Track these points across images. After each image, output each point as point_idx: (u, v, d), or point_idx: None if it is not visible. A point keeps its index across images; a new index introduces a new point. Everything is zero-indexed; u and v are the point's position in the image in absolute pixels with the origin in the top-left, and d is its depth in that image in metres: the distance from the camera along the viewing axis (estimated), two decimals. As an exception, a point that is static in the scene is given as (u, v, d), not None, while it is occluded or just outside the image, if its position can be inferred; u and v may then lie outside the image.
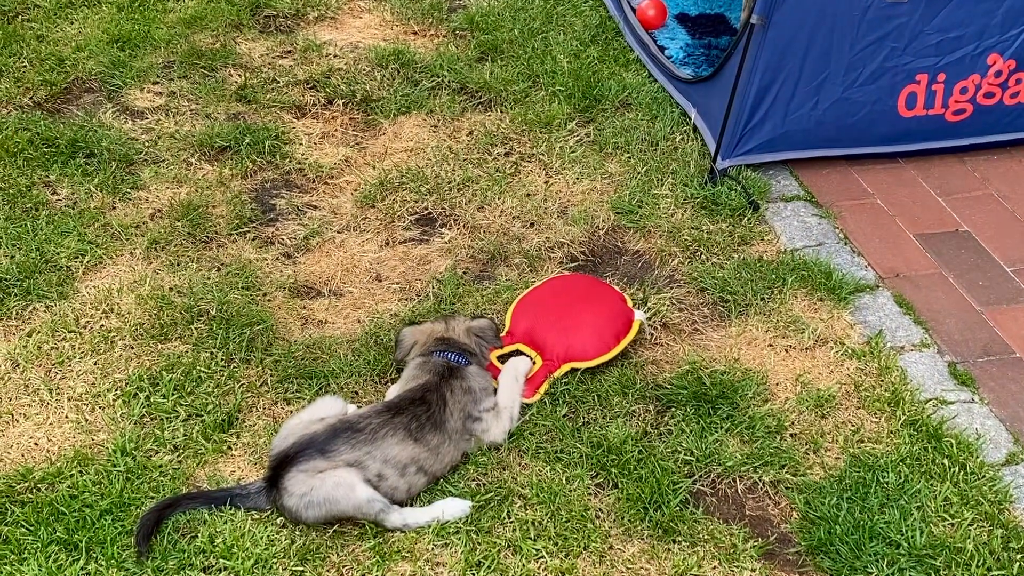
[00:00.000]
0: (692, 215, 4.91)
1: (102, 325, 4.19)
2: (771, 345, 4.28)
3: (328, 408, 3.73)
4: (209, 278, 4.44)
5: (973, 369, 4.21)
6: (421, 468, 3.58)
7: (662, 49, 5.93)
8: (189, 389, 3.93)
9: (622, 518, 3.58)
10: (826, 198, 5.07)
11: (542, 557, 3.45)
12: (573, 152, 5.27)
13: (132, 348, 4.10)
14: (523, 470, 3.73)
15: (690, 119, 5.38)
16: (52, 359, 4.04)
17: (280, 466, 3.49)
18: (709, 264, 4.66)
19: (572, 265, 4.66)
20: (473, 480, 3.69)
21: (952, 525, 3.59)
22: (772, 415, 3.95)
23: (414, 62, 5.90)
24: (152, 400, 3.88)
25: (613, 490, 3.68)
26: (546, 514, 3.57)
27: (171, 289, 4.37)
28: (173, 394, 3.90)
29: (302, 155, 5.25)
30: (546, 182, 5.10)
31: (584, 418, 3.92)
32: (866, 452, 3.83)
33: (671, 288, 4.54)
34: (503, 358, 4.09)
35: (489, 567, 3.41)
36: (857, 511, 3.60)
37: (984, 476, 3.74)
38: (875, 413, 3.99)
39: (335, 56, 5.99)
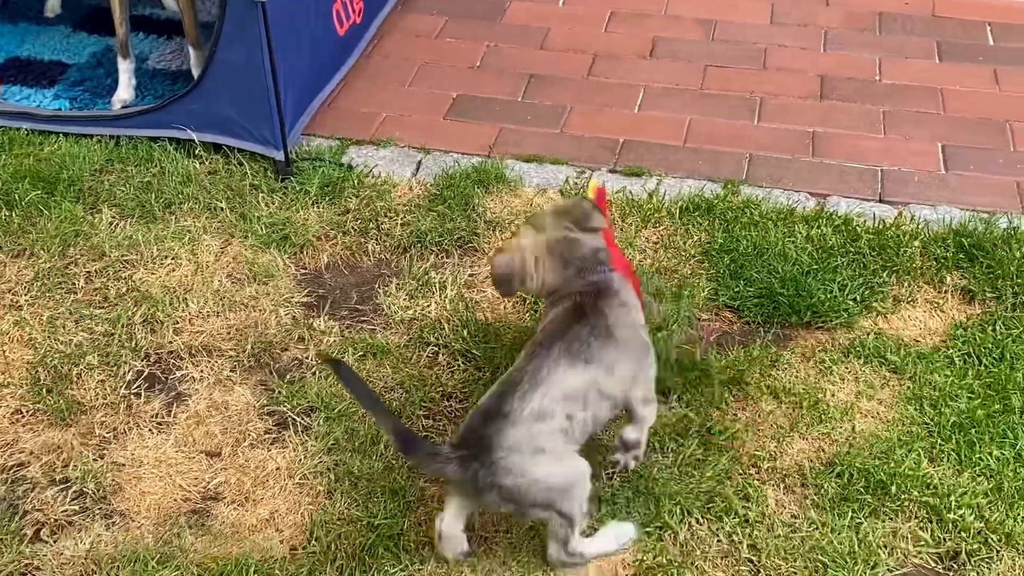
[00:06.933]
0: (324, 210, 4.47)
1: None
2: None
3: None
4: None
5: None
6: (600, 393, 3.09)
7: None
8: None
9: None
10: (360, 133, 4.95)
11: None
12: (154, 245, 4.25)
13: None
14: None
15: (192, 141, 4.68)
16: None
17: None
18: (394, 241, 4.37)
19: (348, 325, 4.04)
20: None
21: None
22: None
23: None
24: None
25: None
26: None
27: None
28: None
29: None
30: (190, 286, 4.13)
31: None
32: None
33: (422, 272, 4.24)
34: None
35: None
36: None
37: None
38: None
39: None
